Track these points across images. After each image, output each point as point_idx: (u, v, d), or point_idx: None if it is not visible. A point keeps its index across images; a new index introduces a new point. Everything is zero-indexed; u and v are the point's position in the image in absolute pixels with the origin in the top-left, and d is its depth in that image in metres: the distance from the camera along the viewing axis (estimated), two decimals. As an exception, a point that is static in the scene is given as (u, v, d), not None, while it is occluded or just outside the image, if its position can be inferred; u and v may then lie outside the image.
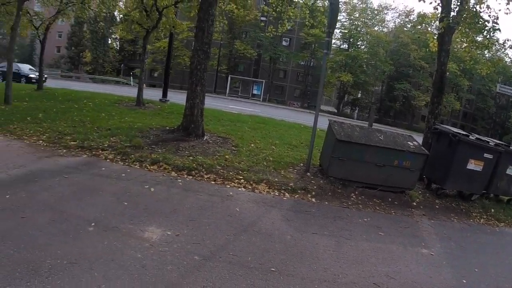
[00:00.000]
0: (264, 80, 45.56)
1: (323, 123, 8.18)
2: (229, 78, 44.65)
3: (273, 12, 12.15)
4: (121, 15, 34.47)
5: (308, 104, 48.95)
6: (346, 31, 50.16)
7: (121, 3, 21.57)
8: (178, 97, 17.83)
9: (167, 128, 8.74)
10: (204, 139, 7.90)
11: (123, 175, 5.40)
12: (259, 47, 48.17)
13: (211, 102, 17.71)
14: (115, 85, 36.31)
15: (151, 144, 6.97)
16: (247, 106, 26.99)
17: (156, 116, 10.90)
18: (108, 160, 6.07)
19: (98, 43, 49.94)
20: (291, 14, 12.42)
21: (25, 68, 25.88)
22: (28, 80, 23.97)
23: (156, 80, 50.44)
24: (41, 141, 6.93)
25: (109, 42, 54.63)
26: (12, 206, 3.93)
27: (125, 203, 4.36)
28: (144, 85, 43.02)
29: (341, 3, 44.55)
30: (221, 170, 6.08)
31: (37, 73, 20.68)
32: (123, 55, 55.62)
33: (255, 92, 44.87)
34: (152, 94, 19.61)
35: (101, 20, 44.77)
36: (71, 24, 48.21)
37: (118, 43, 56.95)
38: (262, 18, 46.39)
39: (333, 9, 6.70)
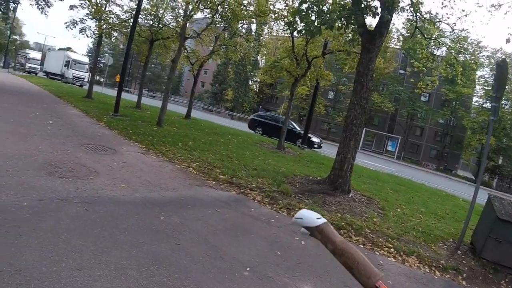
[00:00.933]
0: (399, 137, 43.30)
1: (465, 191, 7.13)
2: (364, 131, 43.62)
3: (423, 68, 11.53)
4: (264, 60, 37.67)
5: (444, 168, 44.46)
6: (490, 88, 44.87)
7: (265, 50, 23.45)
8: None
9: (311, 177, 8.71)
10: (350, 196, 7.58)
11: (272, 220, 5.41)
12: (397, 101, 46.42)
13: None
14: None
15: (297, 193, 6.95)
16: (381, 162, 25.94)
17: (297, 163, 11.04)
18: (256, 201, 6.21)
19: (241, 83, 54.65)
20: (442, 71, 11.67)
21: (296, 126, 22.23)
22: (310, 144, 19.52)
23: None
24: (191, 168, 7.51)
25: (250, 83, 59.11)
26: (167, 229, 4.13)
27: (278, 253, 4.29)
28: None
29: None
30: (370, 234, 5.67)
31: (320, 139, 21.59)
32: (261, 97, 59.51)
33: (389, 148, 42.97)
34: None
35: (248, 63, 49.26)
36: (217, 63, 54.05)
37: (257, 85, 61.27)
38: (401, 71, 44.91)
39: (502, 72, 6.03)
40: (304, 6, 7.54)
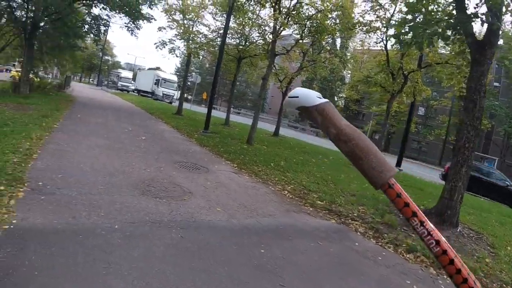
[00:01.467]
0: (496, 158, 38.48)
1: None
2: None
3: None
4: (349, 75, 36.51)
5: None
6: None
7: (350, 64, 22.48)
8: (404, 166, 16.58)
9: (415, 207, 7.76)
10: (458, 230, 6.55)
11: (380, 258, 4.74)
12: (492, 117, 41.40)
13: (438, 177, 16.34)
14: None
15: (402, 225, 6.17)
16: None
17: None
18: (359, 233, 5.55)
19: (328, 99, 53.56)
20: None
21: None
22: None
23: (377, 143, 49.55)
24: (286, 192, 7.08)
25: (335, 99, 57.94)
26: (268, 265, 3.69)
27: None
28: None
29: None
30: (484, 279, 4.72)
31: None
32: (347, 113, 57.90)
33: (485, 171, 37.97)
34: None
35: (337, 79, 48.31)
36: (302, 80, 53.75)
37: (343, 101, 59.79)
38: (496, 84, 40.09)
39: None
40: (409, 16, 6.89)
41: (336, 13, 13.92)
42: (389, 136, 48.73)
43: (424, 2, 6.95)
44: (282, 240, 4.56)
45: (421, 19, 6.91)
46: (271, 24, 16.26)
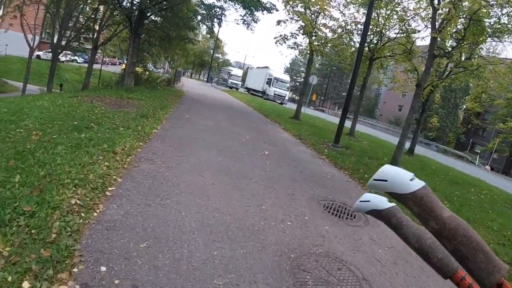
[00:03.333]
0: None
1: None
2: None
3: None
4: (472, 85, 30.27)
5: None
6: None
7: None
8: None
9: None
10: None
11: None
12: None
13: None
14: (456, 160, 31.97)
15: None
16: None
17: None
18: None
19: (449, 111, 46.98)
20: None
21: None
22: None
23: (497, 163, 42.15)
24: None
25: (458, 112, 50.80)
26: None
27: None
28: (488, 167, 35.40)
29: None
30: None
31: None
32: (467, 127, 50.31)
33: None
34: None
35: (458, 87, 41.62)
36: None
37: (463, 114, 52.21)
38: None
39: None
40: None
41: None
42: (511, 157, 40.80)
43: None
44: None
45: None
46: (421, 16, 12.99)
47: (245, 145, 8.00)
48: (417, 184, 0.79)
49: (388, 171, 0.83)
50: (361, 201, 0.92)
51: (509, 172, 39.96)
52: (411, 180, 0.80)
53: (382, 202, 0.90)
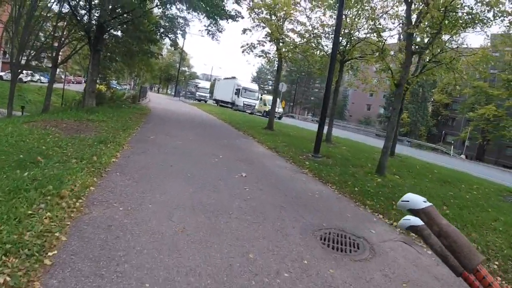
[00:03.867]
0: None
1: None
2: None
3: None
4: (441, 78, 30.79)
5: None
6: None
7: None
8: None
9: None
10: None
11: None
12: None
13: None
14: (430, 152, 32.31)
15: None
16: None
17: None
18: None
19: (419, 106, 47.78)
20: None
21: None
22: None
23: (470, 151, 43.27)
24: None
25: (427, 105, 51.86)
26: None
27: None
28: (463, 156, 36.03)
29: None
30: None
31: None
32: (437, 119, 51.42)
33: None
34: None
35: (428, 82, 42.33)
36: (389, 84, 48.16)
37: (431, 106, 53.37)
38: None
39: None
40: None
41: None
42: (484, 142, 41.96)
43: None
44: None
45: None
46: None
47: (219, 167, 7.22)
48: (427, 204, 1.24)
49: (409, 196, 1.27)
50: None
51: (482, 158, 40.92)
52: (424, 201, 1.24)
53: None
